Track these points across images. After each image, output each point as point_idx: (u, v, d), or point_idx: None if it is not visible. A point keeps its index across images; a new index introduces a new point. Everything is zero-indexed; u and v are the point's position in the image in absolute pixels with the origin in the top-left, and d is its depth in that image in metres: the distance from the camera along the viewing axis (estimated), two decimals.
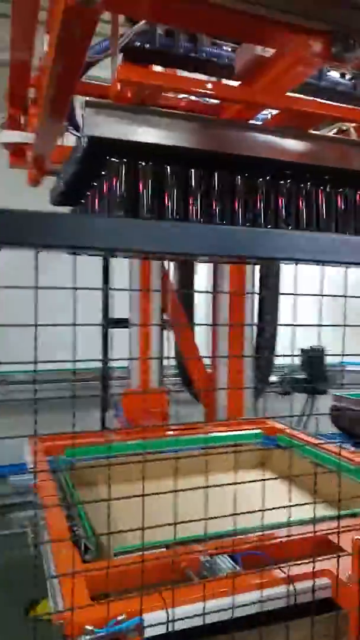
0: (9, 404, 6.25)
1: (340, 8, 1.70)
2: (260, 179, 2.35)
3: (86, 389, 5.92)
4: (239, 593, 1.65)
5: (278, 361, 6.54)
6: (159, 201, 2.19)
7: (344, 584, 1.69)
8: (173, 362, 5.40)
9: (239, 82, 2.49)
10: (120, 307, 4.92)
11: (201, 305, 5.24)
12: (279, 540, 2.01)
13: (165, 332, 4.81)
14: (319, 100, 2.57)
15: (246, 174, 2.32)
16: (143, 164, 2.18)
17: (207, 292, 5.30)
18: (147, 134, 2.05)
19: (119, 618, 1.50)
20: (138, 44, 2.39)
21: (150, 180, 2.17)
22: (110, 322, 4.85)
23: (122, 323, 4.72)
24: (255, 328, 5.00)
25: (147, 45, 2.39)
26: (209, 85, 2.46)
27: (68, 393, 6.23)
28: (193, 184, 2.23)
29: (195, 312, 5.32)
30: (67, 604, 1.53)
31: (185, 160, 2.24)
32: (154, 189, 2.18)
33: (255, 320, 4.99)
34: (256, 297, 4.94)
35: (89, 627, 1.47)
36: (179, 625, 1.56)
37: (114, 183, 2.14)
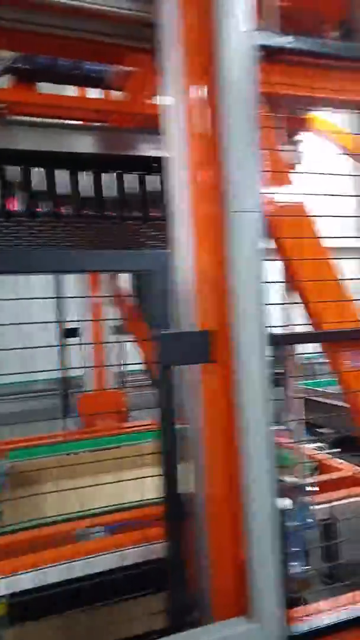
0: None
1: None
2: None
3: (53, 397, 6.11)
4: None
5: None
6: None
7: None
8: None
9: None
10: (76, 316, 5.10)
11: None
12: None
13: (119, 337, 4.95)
14: None
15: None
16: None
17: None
18: None
19: None
20: (20, 65, 2.64)
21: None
22: (64, 334, 5.04)
23: (75, 333, 4.89)
24: None
25: (28, 67, 2.64)
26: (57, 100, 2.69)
27: (33, 403, 6.46)
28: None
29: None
30: None
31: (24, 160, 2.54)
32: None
33: None
34: None
35: None
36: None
37: None
